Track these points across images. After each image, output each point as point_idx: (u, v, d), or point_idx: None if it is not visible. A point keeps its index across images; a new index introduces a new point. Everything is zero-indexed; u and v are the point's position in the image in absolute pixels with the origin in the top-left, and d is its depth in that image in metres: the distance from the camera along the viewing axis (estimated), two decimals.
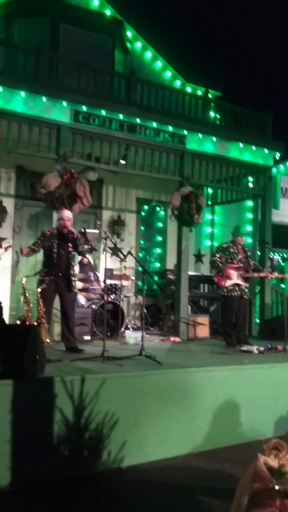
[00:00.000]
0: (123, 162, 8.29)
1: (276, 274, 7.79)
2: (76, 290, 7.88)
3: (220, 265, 7.47)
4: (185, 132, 8.60)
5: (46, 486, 3.95)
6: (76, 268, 8.30)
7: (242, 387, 5.48)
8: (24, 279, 6.09)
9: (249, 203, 11.24)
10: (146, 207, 10.80)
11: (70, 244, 6.29)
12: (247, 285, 7.66)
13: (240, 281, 7.48)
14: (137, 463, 4.54)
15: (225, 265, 7.48)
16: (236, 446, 5.18)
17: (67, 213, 6.45)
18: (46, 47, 8.20)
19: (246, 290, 7.63)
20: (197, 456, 4.85)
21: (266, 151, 9.61)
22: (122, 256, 7.59)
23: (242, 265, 7.54)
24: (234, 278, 7.44)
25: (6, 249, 6.89)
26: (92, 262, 8.96)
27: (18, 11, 9.85)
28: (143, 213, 10.77)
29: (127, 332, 7.81)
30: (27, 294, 6.01)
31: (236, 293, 7.46)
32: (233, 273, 7.44)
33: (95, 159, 8.10)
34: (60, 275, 6.18)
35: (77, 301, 7.94)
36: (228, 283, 7.42)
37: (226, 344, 7.45)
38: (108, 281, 7.94)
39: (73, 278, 6.31)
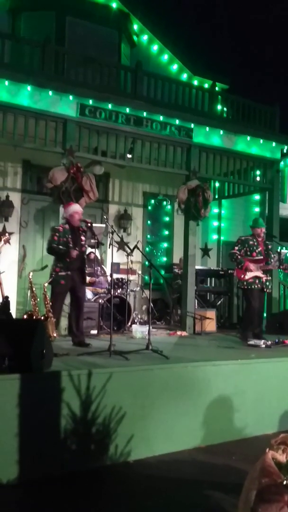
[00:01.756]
0: (129, 156, 8.26)
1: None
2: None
3: (239, 257, 7.30)
4: (192, 125, 8.55)
5: (54, 480, 3.95)
6: None
7: (249, 381, 5.46)
8: (31, 274, 6.09)
9: (257, 197, 11.20)
10: (152, 201, 10.77)
11: (83, 238, 6.28)
12: (269, 278, 7.45)
13: (260, 274, 7.28)
14: (144, 457, 4.54)
15: (244, 257, 7.33)
16: (243, 441, 5.17)
17: (79, 207, 6.44)
18: (52, 40, 8.19)
19: (268, 284, 7.41)
20: (204, 451, 4.84)
21: (273, 144, 9.54)
22: (128, 250, 7.57)
23: (262, 257, 7.36)
24: (253, 270, 7.26)
25: (5, 241, 6.89)
26: (99, 256, 8.95)
27: (23, 5, 9.83)
28: (149, 207, 10.75)
29: (133, 326, 7.81)
30: (34, 289, 6.01)
31: (256, 286, 7.26)
32: (253, 266, 7.27)
33: (102, 153, 8.08)
34: (76, 270, 6.17)
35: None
36: (248, 275, 7.24)
37: (241, 338, 7.30)
38: (115, 275, 7.93)
39: (86, 271, 6.30)
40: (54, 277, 6.05)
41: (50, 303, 5.91)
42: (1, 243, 6.92)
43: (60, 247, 6.07)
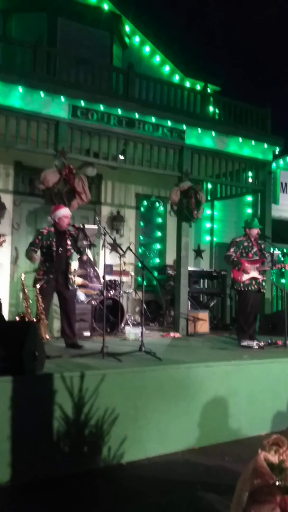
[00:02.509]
0: (122, 157, 8.26)
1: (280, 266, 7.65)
2: (76, 287, 7.88)
3: (236, 259, 7.29)
4: (184, 127, 8.56)
5: (46, 482, 3.94)
6: (76, 264, 8.29)
7: (242, 382, 5.47)
8: (23, 276, 6.07)
9: (249, 198, 11.22)
10: (145, 202, 10.77)
11: (68, 242, 6.26)
12: (264, 279, 7.45)
13: (257, 275, 7.28)
14: (137, 459, 4.53)
15: (240, 259, 7.33)
16: (237, 442, 5.18)
17: (68, 211, 6.40)
18: (44, 42, 8.17)
19: (264, 284, 7.42)
20: (197, 452, 4.85)
21: (265, 145, 9.58)
22: (121, 252, 7.57)
23: (257, 258, 7.38)
24: (250, 272, 7.26)
25: (0, 244, 6.86)
26: (91, 258, 8.93)
27: (15, 6, 9.80)
28: (142, 209, 10.75)
29: (126, 328, 7.80)
30: (26, 291, 5.99)
31: (253, 287, 7.26)
32: (250, 267, 7.26)
33: (94, 154, 8.07)
34: (59, 273, 6.16)
35: (76, 297, 7.92)
36: (245, 277, 7.23)
37: (238, 341, 7.25)
38: (108, 277, 7.91)
39: (70, 276, 6.28)
40: (36, 280, 6.06)
41: (42, 305, 5.89)
42: None
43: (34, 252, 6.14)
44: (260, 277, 7.31)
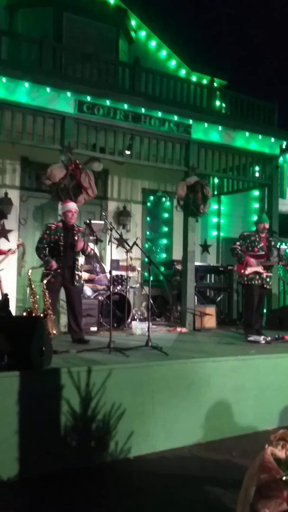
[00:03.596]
0: (128, 152, 8.24)
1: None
2: (82, 281, 7.89)
3: (240, 252, 7.28)
4: (191, 121, 8.53)
5: (54, 477, 3.96)
6: (82, 259, 8.30)
7: (249, 377, 5.46)
8: (30, 271, 6.09)
9: (256, 193, 11.19)
10: (151, 197, 10.76)
11: (76, 238, 6.27)
12: (270, 274, 7.42)
13: (260, 269, 7.25)
14: (145, 454, 4.54)
15: (245, 253, 7.29)
16: (243, 436, 5.17)
17: (74, 205, 6.42)
18: (50, 37, 8.16)
19: (269, 280, 7.39)
20: (204, 447, 4.85)
21: (272, 140, 9.52)
22: (128, 247, 7.57)
23: (263, 253, 7.35)
24: (254, 265, 7.22)
25: (18, 246, 6.95)
26: (98, 253, 8.95)
27: (21, 1, 9.81)
28: (148, 204, 10.74)
29: (133, 323, 7.81)
30: (33, 286, 6.01)
31: (256, 282, 7.24)
32: (254, 261, 7.23)
33: (100, 149, 8.06)
34: (66, 268, 6.18)
35: (83, 293, 7.94)
36: (248, 271, 7.21)
37: (245, 336, 7.23)
38: (114, 272, 7.92)
39: (76, 272, 6.29)
40: (44, 275, 6.07)
41: (49, 301, 5.91)
42: (14, 247, 6.99)
43: (46, 256, 6.14)
44: (264, 272, 7.29)
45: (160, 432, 4.72)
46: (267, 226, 7.49)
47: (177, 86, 9.11)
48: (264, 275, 7.31)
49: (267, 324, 8.80)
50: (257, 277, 7.27)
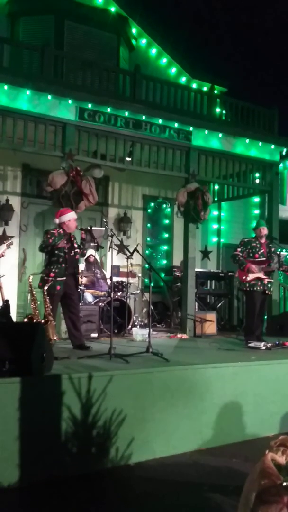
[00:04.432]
0: (128, 159, 8.28)
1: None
2: (83, 287, 7.91)
3: (241, 259, 7.29)
4: (191, 128, 8.57)
5: (54, 483, 3.96)
6: (82, 265, 8.32)
7: (249, 383, 5.46)
8: (31, 277, 6.10)
9: (256, 199, 11.22)
10: (152, 204, 10.79)
11: (75, 245, 6.32)
12: (271, 280, 7.43)
13: (262, 275, 7.26)
14: (145, 460, 4.54)
15: (246, 259, 7.32)
16: (244, 443, 5.17)
17: (75, 214, 6.46)
18: (51, 44, 8.21)
19: (270, 286, 7.39)
20: (205, 453, 4.85)
21: (272, 146, 9.56)
22: (128, 253, 7.59)
23: (264, 259, 7.36)
24: (255, 272, 7.22)
25: (8, 246, 6.91)
26: (98, 259, 8.97)
27: (22, 9, 9.86)
28: (149, 210, 10.77)
29: (134, 329, 7.81)
30: (34, 292, 6.02)
31: (258, 288, 7.25)
32: (255, 267, 7.23)
33: (101, 156, 8.10)
34: (69, 275, 6.21)
35: (84, 299, 7.96)
36: (250, 277, 7.21)
37: (245, 342, 7.21)
38: (115, 279, 7.94)
39: (78, 277, 6.33)
40: (46, 281, 6.05)
41: (50, 307, 5.92)
42: (4, 247, 6.96)
43: (53, 241, 6.05)
44: (265, 278, 7.29)
45: (161, 439, 4.72)
46: (264, 231, 7.48)
47: (178, 93, 9.16)
48: (266, 281, 7.32)
49: (268, 330, 8.80)
50: (259, 283, 7.28)
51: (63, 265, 6.13)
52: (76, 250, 6.34)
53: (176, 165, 8.62)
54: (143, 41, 11.25)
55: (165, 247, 10.99)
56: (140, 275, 9.73)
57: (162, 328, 9.23)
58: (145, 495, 3.87)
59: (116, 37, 10.39)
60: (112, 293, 6.56)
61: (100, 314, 7.62)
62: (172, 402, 4.84)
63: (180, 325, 8.80)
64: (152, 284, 6.53)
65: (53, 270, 6.12)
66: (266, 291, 7.38)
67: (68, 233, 6.29)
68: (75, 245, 6.33)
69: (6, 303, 6.67)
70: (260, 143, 9.39)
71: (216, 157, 9.02)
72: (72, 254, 6.26)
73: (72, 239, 6.35)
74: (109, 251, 6.06)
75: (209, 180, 9.23)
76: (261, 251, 7.39)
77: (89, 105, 7.58)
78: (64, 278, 6.13)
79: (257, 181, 9.80)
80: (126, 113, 7.90)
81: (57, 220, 6.34)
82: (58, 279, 6.08)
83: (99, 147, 7.94)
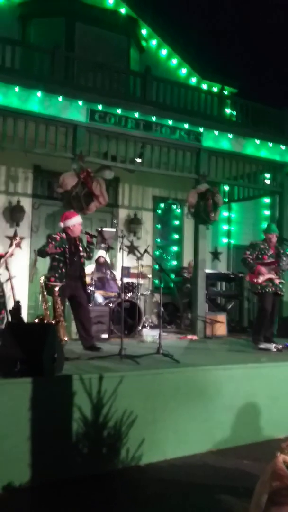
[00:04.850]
0: (139, 160, 8.30)
1: None
2: (92, 289, 7.92)
3: (251, 261, 7.27)
4: (201, 129, 8.56)
5: (65, 483, 3.98)
6: (93, 267, 8.35)
7: (260, 385, 5.45)
8: (42, 278, 6.12)
9: (266, 200, 11.17)
10: (162, 205, 10.80)
11: (80, 249, 6.27)
12: (282, 281, 7.40)
13: (273, 276, 7.24)
14: (156, 461, 4.55)
15: (255, 261, 7.30)
16: (255, 445, 5.16)
17: (80, 218, 6.41)
18: (62, 46, 8.27)
19: (281, 286, 7.36)
20: (215, 454, 4.84)
21: (283, 147, 9.52)
22: (138, 255, 7.60)
23: (273, 260, 7.33)
24: (265, 273, 7.19)
25: (16, 245, 6.94)
26: (108, 260, 8.99)
27: (33, 12, 9.93)
28: (159, 211, 10.78)
29: (144, 330, 7.83)
30: (45, 293, 6.03)
31: (270, 289, 7.22)
32: (265, 269, 7.20)
33: (111, 157, 8.12)
34: (74, 279, 6.14)
35: (94, 300, 7.98)
36: (261, 279, 7.18)
37: (255, 343, 7.17)
38: (125, 280, 7.95)
39: (85, 280, 6.28)
40: (48, 287, 5.95)
41: (61, 307, 5.92)
42: (12, 246, 6.99)
43: (53, 243, 6.00)
44: (276, 278, 7.27)
45: (172, 440, 4.72)
46: (274, 239, 7.45)
47: (188, 94, 9.17)
48: (277, 281, 7.29)
49: (279, 332, 8.76)
50: (270, 284, 7.25)
51: (63, 269, 6.05)
52: (81, 253, 6.27)
53: (186, 166, 8.62)
54: (153, 42, 11.27)
55: (175, 248, 10.99)
56: (150, 276, 9.73)
57: (172, 329, 9.23)
58: (156, 496, 3.87)
59: (127, 39, 10.42)
60: (122, 294, 6.57)
61: (111, 315, 7.63)
62: (183, 404, 4.84)
63: (190, 327, 8.78)
64: (162, 285, 6.53)
65: (53, 275, 6.06)
66: (278, 292, 7.36)
67: (72, 237, 6.26)
68: (80, 249, 6.28)
69: (17, 304, 6.71)
70: (271, 144, 9.36)
71: (226, 158, 9.00)
72: (75, 258, 6.21)
73: (77, 242, 6.30)
74: (119, 252, 6.05)
75: (219, 181, 9.22)
76: (270, 252, 7.39)
77: (100, 107, 7.61)
78: (64, 283, 6.02)
79: (268, 182, 9.77)
80: (137, 115, 7.92)
81: (61, 224, 6.27)
82: (57, 283, 6.00)
83: (110, 148, 7.96)
